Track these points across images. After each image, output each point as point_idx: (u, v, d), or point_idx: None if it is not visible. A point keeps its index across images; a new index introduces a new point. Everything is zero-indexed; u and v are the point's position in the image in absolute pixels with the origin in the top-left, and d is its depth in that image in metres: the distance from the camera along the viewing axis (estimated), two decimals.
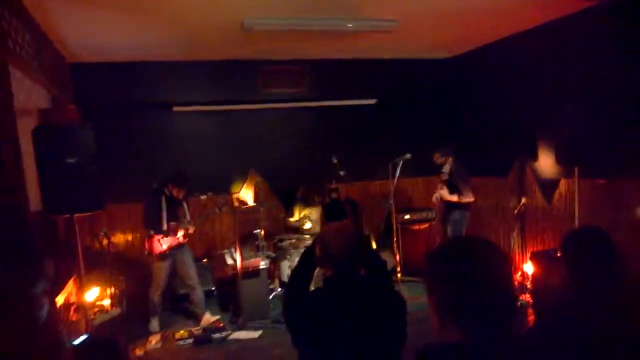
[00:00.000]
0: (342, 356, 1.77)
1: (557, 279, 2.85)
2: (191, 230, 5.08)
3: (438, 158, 5.40)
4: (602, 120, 3.94)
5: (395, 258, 5.91)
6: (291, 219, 6.22)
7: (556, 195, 5.11)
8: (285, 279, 5.67)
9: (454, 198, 5.21)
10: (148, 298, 5.08)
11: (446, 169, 5.31)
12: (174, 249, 4.98)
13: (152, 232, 4.89)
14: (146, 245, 4.95)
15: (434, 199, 5.54)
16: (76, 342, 3.10)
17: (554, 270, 3.74)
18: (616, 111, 4.00)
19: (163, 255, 4.92)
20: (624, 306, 1.74)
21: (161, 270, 4.97)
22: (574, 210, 4.34)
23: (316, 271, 2.01)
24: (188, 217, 5.13)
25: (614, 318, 1.70)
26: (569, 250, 1.88)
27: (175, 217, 5.02)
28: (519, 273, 5.39)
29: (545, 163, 5.14)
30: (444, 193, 5.25)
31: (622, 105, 4.04)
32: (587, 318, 1.66)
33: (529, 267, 5.05)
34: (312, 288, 1.98)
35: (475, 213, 6.37)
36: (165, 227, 4.88)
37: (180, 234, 4.99)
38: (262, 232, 5.64)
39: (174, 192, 4.95)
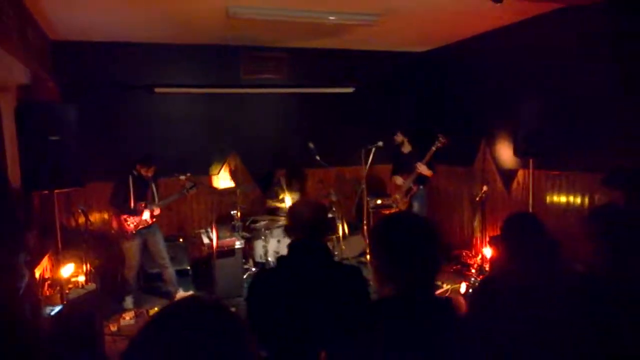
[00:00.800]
0: (288, 320, 1.96)
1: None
2: (156, 212, 5.14)
3: (399, 137, 5.80)
4: (556, 116, 4.25)
5: (366, 241, 6.18)
6: (271, 201, 6.39)
7: (514, 184, 5.46)
8: (258, 259, 5.88)
9: (430, 173, 5.58)
10: (123, 277, 5.19)
11: (406, 147, 5.77)
12: (143, 229, 5.05)
13: (118, 211, 4.96)
14: (114, 224, 5.03)
15: (398, 181, 5.82)
16: (53, 312, 3.25)
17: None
18: (569, 108, 4.31)
19: (131, 235, 5.00)
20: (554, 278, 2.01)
21: (131, 250, 5.06)
22: (529, 199, 4.67)
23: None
24: (156, 198, 5.19)
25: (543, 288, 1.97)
26: (505, 231, 2.16)
27: (143, 197, 5.07)
28: (479, 256, 5.74)
29: (506, 154, 5.49)
30: (424, 168, 5.53)
31: (575, 102, 4.36)
32: (514, 287, 1.93)
33: (488, 251, 5.39)
34: None
35: (443, 198, 6.70)
36: (132, 206, 4.94)
37: (147, 214, 5.07)
38: (238, 213, 5.83)
39: (142, 171, 5.00)
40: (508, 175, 5.59)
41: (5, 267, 2.73)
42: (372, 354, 1.17)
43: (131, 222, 4.99)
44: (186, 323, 0.84)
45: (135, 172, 5.00)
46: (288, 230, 2.21)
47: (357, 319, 1.37)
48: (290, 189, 6.30)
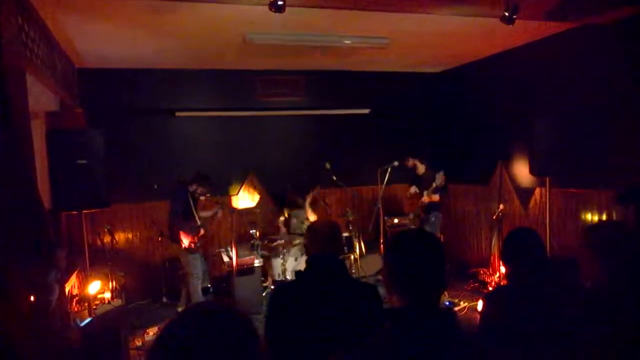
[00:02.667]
0: (306, 334, 2.02)
1: None
2: (202, 231, 5.34)
3: (410, 161, 5.98)
4: (573, 134, 4.26)
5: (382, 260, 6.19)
6: (281, 219, 6.47)
7: (532, 202, 5.46)
8: (276, 277, 5.95)
9: (437, 198, 5.73)
10: (189, 289, 5.24)
11: (420, 169, 5.93)
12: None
13: (181, 226, 5.07)
14: (182, 238, 5.13)
15: (412, 190, 5.96)
16: (82, 324, 3.38)
17: None
18: (585, 126, 4.34)
19: (197, 247, 5.17)
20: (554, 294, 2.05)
21: (197, 261, 5.22)
22: (546, 217, 4.66)
23: None
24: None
25: (545, 305, 2.02)
26: (506, 247, 2.23)
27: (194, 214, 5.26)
28: (497, 274, 5.71)
29: (522, 172, 5.50)
30: (427, 197, 5.72)
31: (591, 120, 4.38)
32: (517, 305, 1.98)
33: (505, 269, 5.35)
34: None
35: (460, 217, 6.71)
36: (197, 221, 5.14)
37: (202, 229, 5.28)
38: (257, 233, 5.93)
39: (199, 191, 5.19)
40: (525, 194, 5.59)
41: (38, 284, 2.88)
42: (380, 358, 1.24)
43: (194, 236, 5.16)
44: (198, 326, 0.91)
45: (190, 190, 5.16)
46: (306, 247, 2.30)
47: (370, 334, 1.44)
48: (295, 206, 6.38)
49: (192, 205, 5.13)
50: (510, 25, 3.93)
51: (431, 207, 5.83)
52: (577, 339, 1.77)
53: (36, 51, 3.71)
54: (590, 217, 4.62)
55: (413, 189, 6.01)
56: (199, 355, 0.86)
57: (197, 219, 5.17)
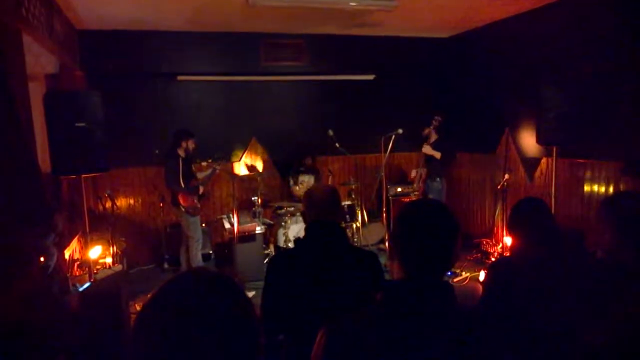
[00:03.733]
0: (305, 302, 2.00)
1: None
2: (201, 190, 5.34)
3: (426, 130, 5.87)
4: (581, 103, 4.14)
5: (385, 229, 6.19)
6: (296, 188, 6.41)
7: (537, 173, 5.37)
8: (281, 244, 5.97)
9: (437, 154, 5.67)
10: (190, 254, 5.24)
11: (432, 137, 5.85)
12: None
13: (180, 190, 5.06)
14: (182, 202, 5.11)
15: (413, 173, 5.85)
16: (81, 288, 3.41)
17: None
18: (594, 95, 4.21)
19: (197, 209, 5.19)
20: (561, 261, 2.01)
21: (197, 224, 5.24)
22: (551, 187, 4.59)
23: None
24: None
25: (550, 270, 1.97)
26: (513, 217, 2.16)
27: (192, 175, 5.26)
28: (500, 245, 5.69)
29: (529, 142, 5.39)
30: (428, 149, 5.71)
31: (600, 89, 4.24)
32: (521, 275, 1.93)
33: (508, 240, 5.33)
34: None
35: (464, 186, 6.65)
36: (192, 184, 5.14)
37: (201, 189, 5.28)
38: (259, 200, 5.92)
39: (189, 144, 5.14)
40: (531, 164, 5.49)
41: (36, 247, 2.88)
42: (368, 332, 1.20)
43: (194, 198, 5.17)
44: (185, 294, 0.88)
45: (180, 151, 5.11)
46: (304, 214, 2.25)
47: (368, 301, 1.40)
48: (305, 175, 6.35)
49: (185, 166, 5.09)
50: None
51: (435, 172, 5.73)
52: (583, 315, 1.73)
53: (32, 10, 3.60)
54: (597, 188, 4.54)
55: (414, 173, 5.93)
56: (189, 319, 0.84)
57: (196, 179, 5.17)
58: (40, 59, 4.27)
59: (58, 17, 4.59)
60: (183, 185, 5.07)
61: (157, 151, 5.52)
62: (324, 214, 2.11)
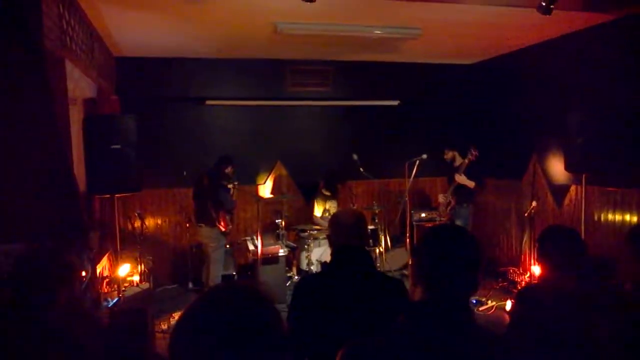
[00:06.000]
0: (330, 327, 1.99)
1: None
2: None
3: (449, 153, 5.75)
4: (611, 130, 4.09)
5: (408, 254, 6.14)
6: (316, 214, 6.44)
7: (566, 200, 5.27)
8: (304, 267, 5.97)
9: (472, 184, 5.49)
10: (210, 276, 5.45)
11: (458, 161, 5.66)
12: None
13: (221, 211, 5.32)
14: (223, 223, 5.40)
15: (441, 198, 5.78)
16: (110, 304, 3.49)
17: None
18: (624, 122, 4.16)
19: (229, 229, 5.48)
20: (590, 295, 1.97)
21: (223, 247, 5.53)
22: (581, 215, 4.50)
23: None
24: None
25: (580, 305, 1.94)
26: (541, 244, 2.14)
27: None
28: (528, 274, 5.57)
29: (557, 169, 5.31)
30: (462, 178, 5.49)
31: (630, 116, 4.19)
32: (550, 304, 1.91)
33: (537, 269, 5.22)
34: None
35: (490, 213, 6.56)
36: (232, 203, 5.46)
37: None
38: (283, 222, 5.97)
39: (228, 171, 5.42)
40: (560, 191, 5.40)
41: (72, 264, 2.98)
42: (388, 353, 1.22)
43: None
44: (221, 306, 0.90)
45: (219, 174, 5.36)
46: (330, 238, 2.25)
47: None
48: (328, 198, 6.37)
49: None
50: (547, 16, 3.80)
51: (464, 198, 5.63)
52: (610, 344, 1.70)
53: (75, 39, 3.81)
54: (629, 217, 4.43)
55: (441, 198, 5.83)
56: (222, 336, 0.85)
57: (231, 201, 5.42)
58: (79, 83, 4.49)
59: (97, 45, 4.84)
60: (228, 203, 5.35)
61: (185, 173, 5.66)
62: (350, 239, 2.12)
